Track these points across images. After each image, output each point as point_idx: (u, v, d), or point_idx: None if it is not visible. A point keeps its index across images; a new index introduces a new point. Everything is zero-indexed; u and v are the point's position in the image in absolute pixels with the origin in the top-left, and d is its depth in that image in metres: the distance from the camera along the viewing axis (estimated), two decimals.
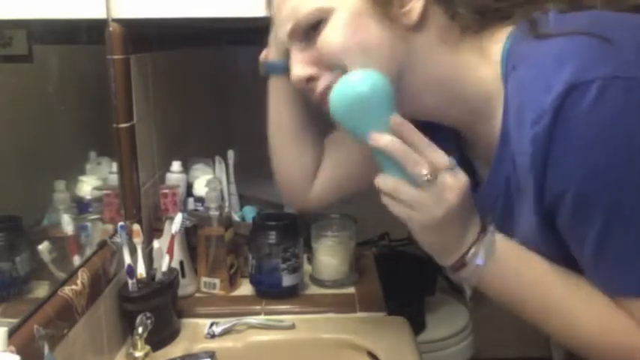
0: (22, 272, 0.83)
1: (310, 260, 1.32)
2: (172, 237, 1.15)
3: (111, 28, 1.08)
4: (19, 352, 0.67)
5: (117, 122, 1.11)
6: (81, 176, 1.06)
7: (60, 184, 0.97)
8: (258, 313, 1.19)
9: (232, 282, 1.27)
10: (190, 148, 1.54)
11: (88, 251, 1.02)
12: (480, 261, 0.68)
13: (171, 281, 1.11)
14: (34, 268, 0.85)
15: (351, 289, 1.28)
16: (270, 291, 1.23)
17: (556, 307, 0.68)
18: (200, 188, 1.33)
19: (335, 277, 1.29)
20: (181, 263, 1.22)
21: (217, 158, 1.42)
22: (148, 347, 1.00)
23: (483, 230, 0.69)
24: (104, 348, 1.01)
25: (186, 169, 1.38)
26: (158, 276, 1.10)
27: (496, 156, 0.70)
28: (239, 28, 0.84)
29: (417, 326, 1.72)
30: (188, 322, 1.16)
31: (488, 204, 0.72)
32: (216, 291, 1.25)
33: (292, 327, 1.15)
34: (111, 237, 1.07)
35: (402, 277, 1.64)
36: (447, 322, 1.90)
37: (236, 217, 1.37)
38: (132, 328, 1.00)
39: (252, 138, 0.97)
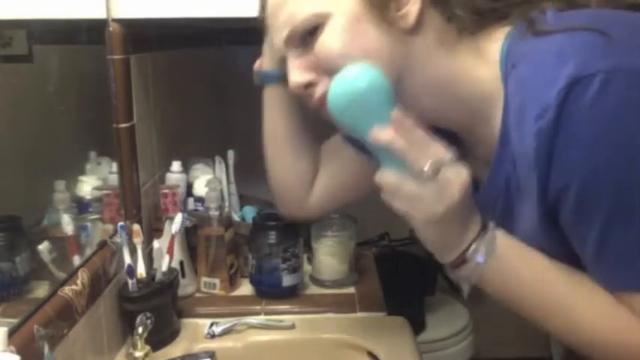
0: (22, 272, 0.83)
1: (310, 260, 1.32)
2: (172, 237, 1.15)
3: (111, 28, 1.08)
4: (19, 352, 0.67)
5: (117, 122, 1.11)
6: (81, 176, 1.06)
7: (60, 184, 0.97)
8: (258, 313, 1.19)
9: (232, 282, 1.27)
10: (190, 148, 1.54)
11: (88, 251, 1.02)
12: (480, 258, 0.68)
13: (171, 281, 1.11)
14: (34, 268, 0.85)
15: (351, 289, 1.28)
16: (270, 291, 1.23)
17: (557, 305, 0.68)
18: (200, 188, 1.33)
19: (335, 277, 1.29)
20: (181, 263, 1.22)
21: (217, 158, 1.42)
22: (148, 347, 1.00)
23: (484, 227, 0.69)
24: (104, 348, 1.01)
25: (186, 169, 1.38)
26: (158, 276, 1.10)
27: (496, 157, 0.70)
28: (239, 28, 0.84)
29: (417, 326, 1.72)
30: (188, 322, 1.16)
31: (488, 205, 0.72)
32: (216, 291, 1.25)
33: (292, 327, 1.15)
34: (111, 237, 1.07)
35: (402, 277, 1.64)
36: (447, 322, 1.90)
37: (236, 217, 1.37)
38: (132, 328, 1.00)
39: (252, 138, 0.97)
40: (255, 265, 1.23)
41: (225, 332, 1.13)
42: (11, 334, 0.71)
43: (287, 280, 1.22)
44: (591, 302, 0.66)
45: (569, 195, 0.61)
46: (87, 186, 1.07)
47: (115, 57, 1.09)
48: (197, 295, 1.26)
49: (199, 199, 1.33)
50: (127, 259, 1.04)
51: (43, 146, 0.93)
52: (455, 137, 0.77)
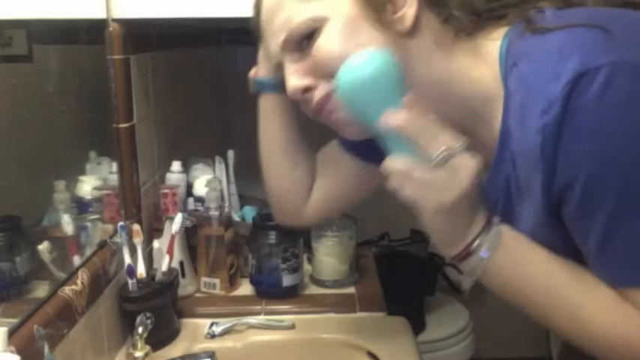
0: (22, 272, 0.83)
1: (310, 260, 1.32)
2: (172, 237, 1.15)
3: (111, 28, 1.08)
4: (19, 352, 0.67)
5: (117, 122, 1.11)
6: (81, 176, 1.06)
7: (60, 184, 0.97)
8: (258, 313, 1.19)
9: (232, 282, 1.27)
10: (190, 148, 1.54)
11: (88, 251, 1.02)
12: (485, 252, 0.67)
13: (171, 281, 1.11)
14: (34, 268, 0.85)
15: (351, 289, 1.28)
16: (270, 291, 1.23)
17: (560, 300, 0.67)
18: (200, 188, 1.33)
19: (335, 277, 1.29)
20: (181, 263, 1.22)
21: (217, 158, 1.42)
22: (148, 347, 1.00)
23: (489, 221, 0.68)
24: (104, 348, 1.01)
25: (186, 169, 1.38)
26: (158, 276, 1.10)
27: (496, 156, 0.69)
28: (239, 28, 0.84)
29: (417, 326, 1.72)
30: (188, 322, 1.16)
31: (489, 205, 0.72)
32: (216, 291, 1.26)
33: (292, 327, 1.15)
34: (111, 237, 1.07)
35: (402, 277, 1.64)
36: (447, 322, 1.90)
37: (236, 217, 1.37)
38: (132, 328, 1.00)
39: (252, 138, 0.97)
40: (255, 265, 1.23)
41: (225, 332, 1.13)
42: (11, 334, 0.71)
43: (287, 280, 1.22)
44: (595, 297, 0.66)
45: (574, 189, 0.61)
46: (87, 186, 1.07)
47: (115, 57, 1.09)
48: (197, 295, 1.26)
49: (199, 199, 1.33)
50: (127, 259, 1.04)
51: (43, 146, 0.93)
52: None
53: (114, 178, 1.13)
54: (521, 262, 0.69)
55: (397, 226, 1.91)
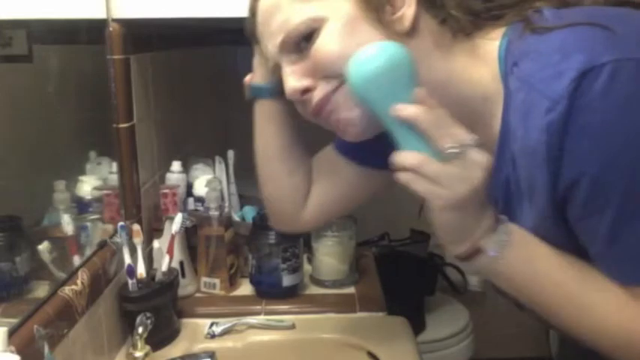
0: (22, 272, 0.83)
1: (310, 260, 1.32)
2: (172, 237, 1.15)
3: (111, 28, 1.08)
4: (19, 352, 0.67)
5: (117, 122, 1.11)
6: (81, 176, 1.06)
7: (60, 184, 0.97)
8: (258, 313, 1.19)
9: (232, 282, 1.27)
10: (190, 148, 1.54)
11: (88, 251, 1.02)
12: (494, 250, 0.66)
13: (171, 281, 1.11)
14: (34, 268, 0.85)
15: (351, 289, 1.28)
16: (270, 291, 1.23)
17: (571, 298, 0.67)
18: (200, 188, 1.33)
19: (335, 277, 1.29)
20: (181, 263, 1.22)
21: (217, 158, 1.42)
22: (148, 347, 1.00)
23: (497, 220, 0.67)
24: (104, 348, 1.01)
25: (186, 169, 1.38)
26: (158, 276, 1.10)
27: (496, 156, 0.69)
28: (239, 28, 0.84)
29: (417, 326, 1.72)
30: (188, 322, 1.16)
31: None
32: (216, 291, 1.26)
33: (292, 327, 1.15)
34: (111, 237, 1.07)
35: (402, 277, 1.64)
36: (447, 322, 1.90)
37: (236, 217, 1.37)
38: (132, 328, 1.00)
39: (252, 138, 0.96)
40: (255, 265, 1.23)
41: (225, 332, 1.13)
42: (11, 334, 0.71)
43: (287, 280, 1.22)
44: (605, 296, 0.65)
45: (580, 187, 0.61)
46: (87, 186, 1.07)
47: (115, 57, 1.09)
48: (197, 295, 1.26)
49: (199, 199, 1.33)
50: (127, 259, 1.04)
51: (43, 146, 0.93)
52: None
53: (114, 178, 1.13)
54: (531, 260, 0.68)
55: (397, 226, 1.91)
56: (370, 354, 1.06)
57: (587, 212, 0.62)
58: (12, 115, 0.85)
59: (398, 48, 0.64)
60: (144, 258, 1.08)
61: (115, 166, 1.13)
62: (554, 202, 0.64)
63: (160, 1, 1.05)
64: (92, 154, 1.11)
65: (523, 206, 0.69)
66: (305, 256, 1.31)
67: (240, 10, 1.00)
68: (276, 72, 0.76)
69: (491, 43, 0.69)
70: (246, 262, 1.28)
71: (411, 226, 1.91)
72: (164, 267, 1.12)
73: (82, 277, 0.92)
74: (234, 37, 0.83)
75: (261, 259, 1.22)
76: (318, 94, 0.72)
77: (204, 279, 1.26)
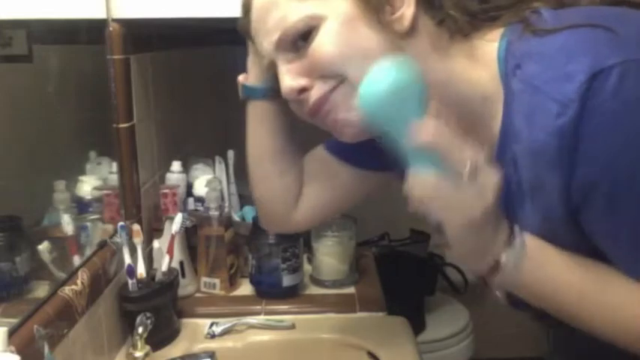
0: (22, 272, 0.83)
1: (310, 260, 1.32)
2: (172, 237, 1.15)
3: (111, 28, 1.08)
4: (19, 352, 0.67)
5: (117, 122, 1.11)
6: (81, 176, 1.06)
7: (60, 184, 0.97)
8: (258, 313, 1.19)
9: (232, 282, 1.27)
10: (190, 148, 1.54)
11: (88, 251, 1.02)
12: (512, 263, 0.66)
13: (171, 281, 1.11)
14: (34, 268, 0.85)
15: (351, 289, 1.28)
16: (270, 291, 1.23)
17: (586, 295, 0.66)
18: (200, 188, 1.33)
19: (335, 277, 1.29)
20: (181, 263, 1.22)
21: (217, 158, 1.42)
22: (148, 347, 1.00)
23: (512, 232, 0.67)
24: (104, 348, 1.01)
25: (186, 169, 1.38)
26: (158, 276, 1.10)
27: (496, 157, 0.69)
28: None
29: (417, 326, 1.72)
30: (188, 322, 1.16)
31: None
32: (216, 291, 1.26)
33: (292, 327, 1.15)
34: (111, 237, 1.07)
35: (402, 277, 1.64)
36: (447, 322, 1.90)
37: (236, 217, 1.37)
38: (132, 328, 1.00)
39: None
40: (255, 265, 1.23)
41: (225, 332, 1.13)
42: (11, 334, 0.71)
43: (287, 280, 1.22)
44: (621, 290, 0.65)
45: (597, 190, 0.60)
46: (87, 186, 1.07)
47: (115, 57, 1.09)
48: (197, 295, 1.26)
49: (199, 199, 1.33)
50: (127, 259, 1.04)
51: (43, 146, 0.93)
52: None
53: (114, 178, 1.13)
54: (544, 266, 0.67)
55: (397, 226, 1.91)
56: (370, 354, 1.06)
57: (607, 214, 0.62)
58: (12, 115, 0.85)
59: (408, 67, 0.63)
60: (144, 258, 1.08)
61: (115, 166, 1.13)
62: (566, 205, 0.63)
63: (160, 1, 1.05)
64: (92, 154, 1.11)
65: (525, 207, 0.68)
66: (305, 256, 1.31)
67: (240, 10, 1.00)
68: (271, 70, 0.75)
69: (490, 44, 0.69)
70: (246, 262, 1.28)
71: (411, 226, 1.91)
72: (164, 267, 1.12)
73: (82, 277, 0.92)
74: (234, 37, 0.83)
75: (261, 259, 1.22)
76: (315, 94, 0.71)
77: (204, 279, 1.26)
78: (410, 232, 1.94)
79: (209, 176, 1.36)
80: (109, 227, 1.10)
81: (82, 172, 1.07)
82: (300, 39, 0.69)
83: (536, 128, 0.62)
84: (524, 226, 0.69)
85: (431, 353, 1.78)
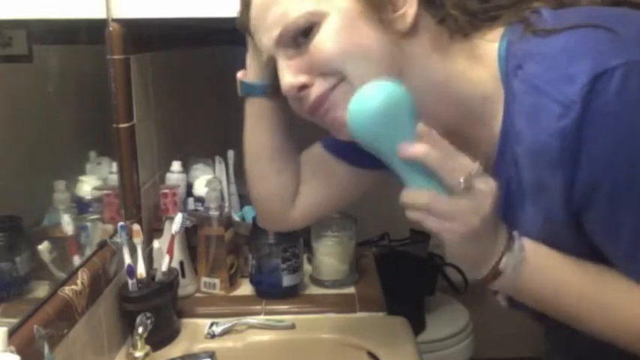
0: (22, 272, 0.83)
1: (310, 260, 1.32)
2: (172, 237, 1.15)
3: (111, 28, 1.08)
4: (19, 352, 0.67)
5: (117, 122, 1.11)
6: (81, 176, 1.06)
7: (60, 184, 0.97)
8: (258, 313, 1.19)
9: (232, 282, 1.27)
10: (190, 148, 1.54)
11: (88, 251, 1.02)
12: (512, 268, 0.66)
13: (171, 281, 1.11)
14: (34, 268, 0.85)
15: (351, 289, 1.28)
16: (270, 291, 1.23)
17: (586, 296, 0.67)
18: (200, 188, 1.33)
19: (335, 277, 1.29)
20: (181, 263, 1.22)
21: (217, 158, 1.42)
22: (148, 347, 1.00)
23: (511, 237, 0.67)
24: (104, 348, 1.01)
25: (186, 169, 1.38)
26: (158, 276, 1.10)
27: (497, 157, 0.69)
28: None
29: (417, 326, 1.72)
30: (188, 322, 1.16)
31: None
32: (216, 291, 1.26)
33: (292, 327, 1.15)
34: (111, 237, 1.07)
35: (402, 277, 1.64)
36: (447, 322, 1.90)
37: (236, 217, 1.37)
38: (132, 328, 1.00)
39: None
40: (255, 265, 1.23)
41: (225, 332, 1.13)
42: (11, 334, 0.71)
43: (287, 280, 1.22)
44: (622, 293, 0.65)
45: (599, 191, 0.60)
46: (87, 186, 1.07)
47: (115, 57, 1.09)
48: (197, 295, 1.26)
49: (199, 199, 1.33)
50: (127, 259, 1.04)
51: (43, 146, 0.93)
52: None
53: (114, 178, 1.13)
54: (543, 269, 0.68)
55: (397, 226, 1.90)
56: (370, 354, 1.06)
57: (607, 214, 0.62)
58: (12, 115, 0.85)
59: (396, 86, 0.63)
60: (144, 258, 1.08)
61: (115, 166, 1.13)
62: (568, 206, 0.64)
63: (160, 1, 1.05)
64: (92, 154, 1.11)
65: (525, 207, 0.68)
66: (305, 256, 1.31)
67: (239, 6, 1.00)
68: (270, 65, 0.75)
69: (490, 44, 0.69)
70: (246, 262, 1.28)
71: (411, 226, 1.91)
72: (164, 267, 1.12)
73: (82, 277, 0.92)
74: (234, 37, 0.83)
75: (261, 259, 1.22)
76: (315, 92, 0.70)
77: (204, 279, 1.26)
78: (410, 232, 1.94)
79: (209, 176, 1.36)
80: (109, 227, 1.10)
81: (82, 172, 1.07)
82: (301, 35, 0.69)
83: (537, 129, 0.62)
84: (524, 226, 0.69)
85: (431, 353, 1.78)
